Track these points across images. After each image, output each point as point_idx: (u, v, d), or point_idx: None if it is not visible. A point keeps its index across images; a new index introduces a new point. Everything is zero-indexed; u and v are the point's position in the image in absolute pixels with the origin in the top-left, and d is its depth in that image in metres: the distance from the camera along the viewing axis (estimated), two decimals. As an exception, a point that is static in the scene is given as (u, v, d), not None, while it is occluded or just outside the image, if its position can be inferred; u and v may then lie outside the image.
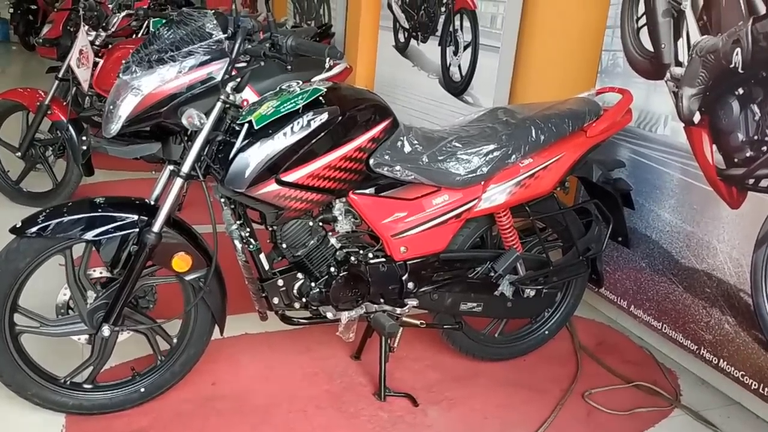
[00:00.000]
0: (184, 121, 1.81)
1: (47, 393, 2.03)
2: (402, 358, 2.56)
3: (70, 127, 3.58)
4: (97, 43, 3.57)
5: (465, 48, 3.84)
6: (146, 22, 4.48)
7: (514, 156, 2.20)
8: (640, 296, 2.72)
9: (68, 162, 3.70)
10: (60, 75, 3.63)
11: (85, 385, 2.09)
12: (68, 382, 2.07)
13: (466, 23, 3.82)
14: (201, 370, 2.30)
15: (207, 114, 1.87)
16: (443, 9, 4.04)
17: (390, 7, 4.65)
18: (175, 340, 2.17)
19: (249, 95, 2.18)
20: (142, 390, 2.13)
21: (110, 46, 3.77)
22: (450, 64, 4.00)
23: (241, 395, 2.29)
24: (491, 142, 2.18)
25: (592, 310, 3.09)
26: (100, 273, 2.04)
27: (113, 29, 3.77)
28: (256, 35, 1.95)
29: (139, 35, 4.58)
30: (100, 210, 1.94)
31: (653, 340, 2.81)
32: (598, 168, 2.44)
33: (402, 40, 4.56)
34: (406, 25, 4.48)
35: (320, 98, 1.96)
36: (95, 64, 3.59)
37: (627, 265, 2.77)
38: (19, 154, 3.73)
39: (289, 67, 1.80)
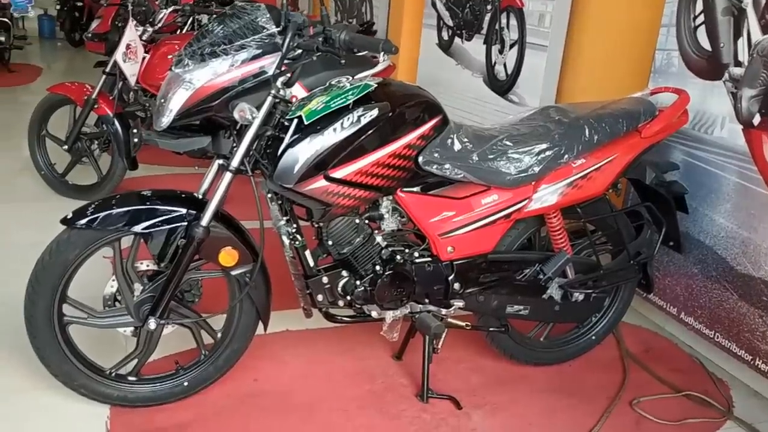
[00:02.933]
0: (236, 115, 1.80)
1: (93, 384, 2.04)
2: (444, 360, 2.52)
3: (116, 121, 3.63)
4: (143, 38, 3.60)
5: (511, 46, 3.78)
6: (191, 18, 4.52)
7: (566, 156, 2.14)
8: (692, 303, 2.64)
9: (113, 156, 3.75)
10: (107, 69, 3.67)
11: (130, 378, 2.10)
12: (113, 374, 2.08)
13: (513, 21, 3.76)
14: (243, 365, 2.29)
15: (257, 108, 1.86)
16: (489, 7, 3.98)
17: (434, 4, 4.61)
18: (219, 335, 2.17)
19: (298, 91, 2.15)
20: (186, 384, 2.13)
21: (156, 41, 3.80)
22: (495, 63, 3.95)
23: (283, 393, 2.28)
24: (543, 141, 2.13)
25: (639, 316, 3.01)
26: (147, 266, 2.05)
27: (160, 25, 3.80)
28: (306, 30, 1.93)
29: (184, 31, 4.62)
30: (148, 203, 1.94)
31: (703, 348, 2.72)
32: (651, 170, 2.37)
33: (446, 38, 4.52)
34: (450, 23, 4.44)
35: (370, 94, 1.93)
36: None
37: (678, 270, 2.69)
38: (65, 147, 3.79)
39: (343, 61, 1.77)
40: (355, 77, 2.38)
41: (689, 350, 2.78)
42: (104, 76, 3.68)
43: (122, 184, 3.90)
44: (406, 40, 5.00)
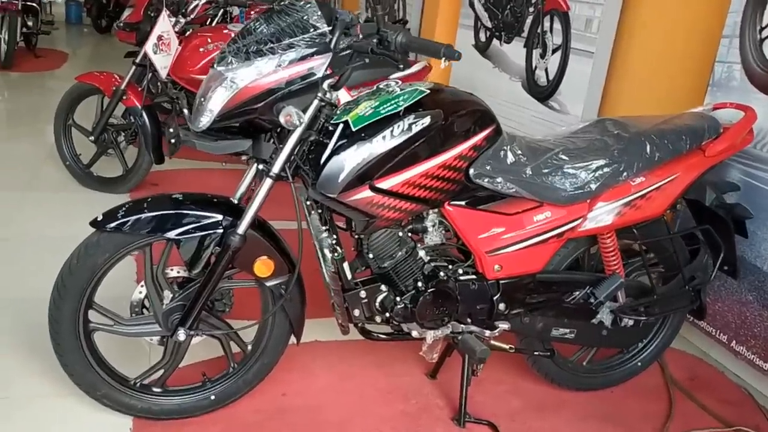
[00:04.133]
0: (282, 119, 1.68)
1: (117, 394, 1.94)
2: (481, 381, 2.40)
3: (144, 114, 3.53)
4: (176, 29, 3.50)
5: (553, 51, 3.64)
6: (223, 10, 4.41)
7: (625, 173, 2.01)
8: (744, 331, 2.49)
9: (140, 148, 3.66)
10: (137, 60, 3.58)
11: (155, 389, 1.99)
12: (138, 385, 1.98)
13: (557, 25, 3.62)
14: (271, 378, 2.17)
15: (302, 112, 1.74)
16: (531, 9, 3.84)
17: (472, 5, 4.47)
18: (249, 347, 2.06)
19: (342, 93, 2.04)
20: (213, 397, 2.03)
21: (187, 33, 3.70)
22: (536, 67, 3.80)
23: (312, 409, 2.17)
24: (601, 157, 1.99)
25: (682, 341, 2.86)
26: (177, 272, 1.94)
27: (193, 16, 3.70)
28: (353, 29, 1.82)
29: (215, 23, 4.52)
30: (182, 208, 1.83)
31: (753, 379, 2.57)
32: (711, 191, 2.22)
33: (483, 39, 4.38)
34: (489, 24, 4.30)
35: (421, 100, 1.81)
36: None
37: (731, 296, 2.54)
38: (92, 138, 3.71)
39: (401, 66, 1.65)
40: (390, 77, 2.26)
41: (737, 380, 2.63)
42: (134, 67, 3.59)
43: (148, 178, 3.82)
44: (441, 39, 4.81)
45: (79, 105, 3.81)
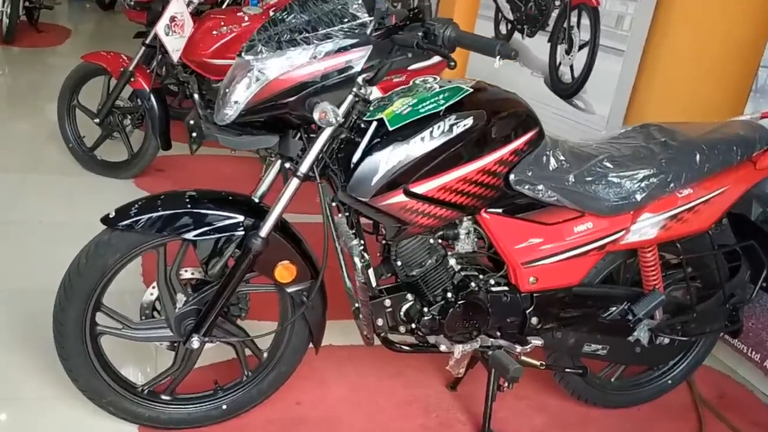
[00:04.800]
0: (315, 116, 1.55)
1: (123, 402, 1.82)
2: (504, 395, 2.26)
3: (152, 97, 3.39)
4: (189, 10, 3.34)
5: (580, 47, 3.50)
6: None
7: (672, 184, 1.88)
8: (779, 351, 2.38)
9: (146, 133, 3.51)
10: (147, 41, 3.42)
11: (164, 396, 1.87)
12: (146, 392, 1.85)
13: (585, 20, 3.47)
14: (284, 386, 2.06)
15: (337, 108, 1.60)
16: (558, 2, 3.69)
17: (493, -5, 4.32)
18: (265, 355, 1.93)
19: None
20: (224, 407, 1.91)
21: (201, 14, 3.55)
22: (560, 64, 3.66)
23: (328, 420, 2.05)
24: (648, 166, 1.86)
25: (709, 356, 2.74)
26: (192, 274, 1.82)
27: (206, -4, 3.54)
28: (388, 19, 1.68)
29: (224, 5, 4.35)
30: (200, 206, 1.70)
31: (785, 401, 2.47)
32: (757, 204, 2.10)
33: (504, 32, 4.23)
34: (511, 17, 4.15)
35: (465, 100, 1.68)
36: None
37: (765, 313, 2.43)
38: (97, 120, 3.55)
39: (452, 63, 1.51)
40: (409, 68, 2.15)
41: (767, 400, 2.52)
42: (143, 48, 3.43)
43: (154, 163, 3.67)
44: (458, 30, 4.71)
45: (84, 86, 3.65)
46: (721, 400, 2.50)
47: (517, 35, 4.09)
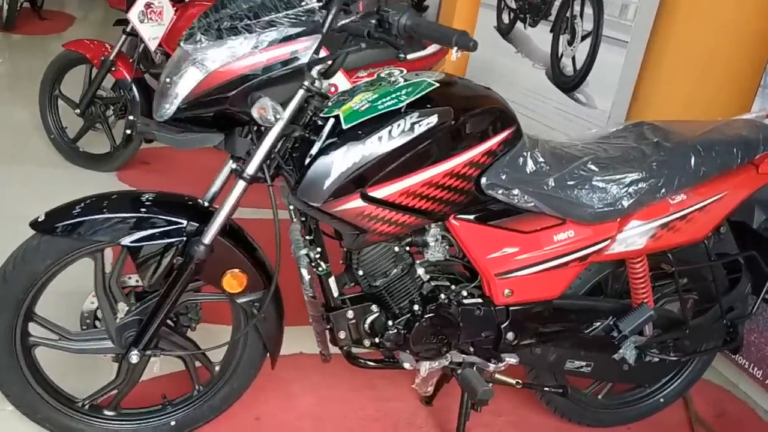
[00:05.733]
0: (255, 113, 1.40)
1: (61, 418, 1.69)
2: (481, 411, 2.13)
3: (134, 87, 3.25)
4: (170, -4, 3.20)
5: (583, 38, 3.31)
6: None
7: (664, 189, 1.71)
8: (784, 369, 2.21)
9: (129, 124, 3.38)
10: (128, 29, 3.28)
11: (107, 412, 1.74)
12: (87, 406, 1.73)
13: (588, 10, 3.28)
14: (244, 398, 1.92)
15: (284, 104, 1.45)
16: (561, -10, 3.50)
17: (496, -18, 4.13)
18: (217, 369, 1.80)
19: (339, 79, 1.75)
20: (173, 423, 1.78)
21: (184, 1, 3.40)
22: (562, 55, 3.47)
23: (289, 438, 1.92)
24: (637, 169, 1.69)
25: (709, 369, 2.56)
26: (137, 281, 1.68)
27: (187, -18, 3.38)
28: (354, 5, 1.52)
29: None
30: (144, 210, 1.56)
31: (790, 421, 2.29)
32: (760, 211, 1.92)
33: (506, 21, 4.04)
34: (513, 5, 3.96)
35: (431, 95, 1.52)
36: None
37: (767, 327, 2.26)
38: (78, 111, 3.43)
39: (401, 55, 1.36)
40: (409, 58, 1.95)
41: (770, 419, 2.35)
42: (124, 36, 3.29)
43: (137, 155, 3.55)
44: (460, 20, 4.52)
45: (66, 75, 3.52)
46: (720, 418, 2.33)
47: (519, 25, 3.90)
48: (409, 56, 3.29)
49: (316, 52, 1.43)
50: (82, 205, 1.56)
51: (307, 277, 1.59)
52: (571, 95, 3.37)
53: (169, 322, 1.69)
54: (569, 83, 3.39)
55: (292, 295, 1.79)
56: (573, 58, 3.37)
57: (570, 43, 3.41)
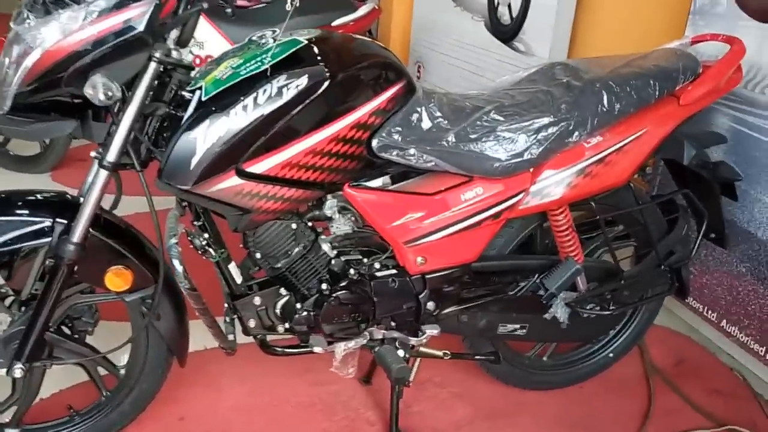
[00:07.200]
0: (87, 93, 1.26)
1: (-45, 441, 1.58)
2: (423, 383, 2.03)
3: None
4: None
5: (517, -16, 3.15)
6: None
7: (576, 133, 1.58)
8: (736, 309, 2.10)
9: (55, 122, 3.22)
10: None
11: (9, 430, 1.63)
12: (-16, 426, 1.61)
13: (520, -47, 3.11)
14: (168, 397, 1.83)
15: (136, 79, 1.32)
16: (492, -65, 3.32)
17: (430, -65, 3.94)
18: (123, 372, 1.68)
19: (217, 44, 1.62)
20: (82, 435, 1.66)
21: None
22: (498, 4, 3.31)
23: (214, 435, 1.81)
24: (545, 114, 1.56)
25: (668, 315, 2.45)
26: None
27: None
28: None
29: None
30: (6, 210, 1.42)
31: (749, 362, 2.19)
32: (690, 146, 1.79)
33: (443, -27, 3.87)
34: (448, -43, 3.78)
35: (301, 55, 1.38)
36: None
37: (719, 268, 2.14)
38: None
39: (228, 10, 1.22)
40: (333, 24, 1.84)
41: (731, 362, 2.24)
42: None
43: (69, 153, 3.41)
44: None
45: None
46: (678, 366, 2.24)
47: (456, -23, 3.73)
48: (337, 21, 3.13)
49: (153, 20, 1.28)
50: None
51: (180, 267, 1.45)
52: (511, 45, 3.22)
53: (64, 328, 1.58)
54: (507, 32, 3.24)
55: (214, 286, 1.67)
56: (509, 6, 3.21)
57: (505, -10, 3.25)
